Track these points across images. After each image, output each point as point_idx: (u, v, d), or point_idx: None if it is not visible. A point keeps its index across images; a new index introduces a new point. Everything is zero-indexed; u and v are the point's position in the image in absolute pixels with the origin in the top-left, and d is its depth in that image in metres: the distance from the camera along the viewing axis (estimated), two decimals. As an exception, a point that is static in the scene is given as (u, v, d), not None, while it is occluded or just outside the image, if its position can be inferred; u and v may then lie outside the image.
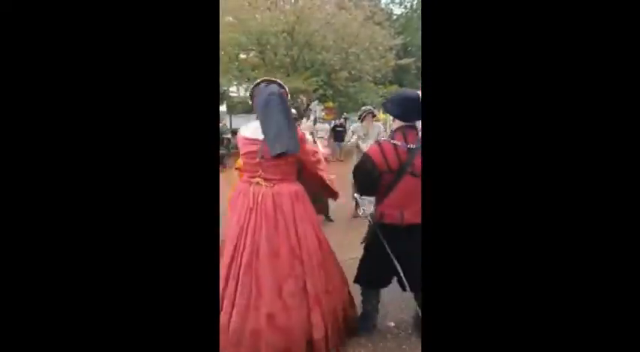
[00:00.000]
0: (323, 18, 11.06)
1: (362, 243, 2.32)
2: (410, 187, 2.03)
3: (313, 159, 2.17)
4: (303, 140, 2.06)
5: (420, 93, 2.17)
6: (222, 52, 11.25)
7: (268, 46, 11.23)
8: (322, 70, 11.59)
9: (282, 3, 11.35)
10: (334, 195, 2.39)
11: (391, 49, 12.98)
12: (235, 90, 13.37)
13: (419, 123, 2.11)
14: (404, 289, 2.13)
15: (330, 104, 13.79)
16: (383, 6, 14.61)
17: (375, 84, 13.13)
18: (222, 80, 11.27)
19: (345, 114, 14.68)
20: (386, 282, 2.28)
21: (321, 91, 11.76)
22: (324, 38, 11.25)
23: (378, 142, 2.12)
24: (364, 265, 2.28)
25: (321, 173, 2.21)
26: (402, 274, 2.06)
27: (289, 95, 2.18)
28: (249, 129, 2.08)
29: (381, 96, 12.53)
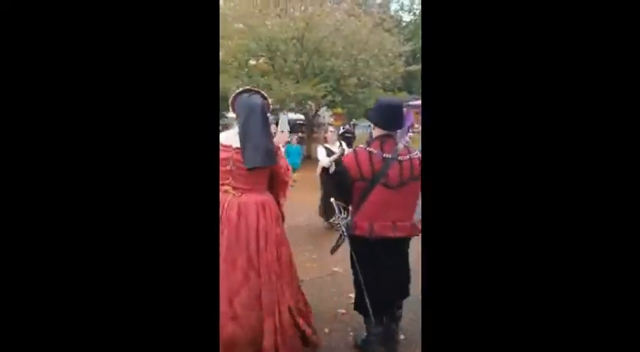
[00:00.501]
0: (332, 25, 11.12)
1: (331, 252, 2.24)
2: (381, 199, 1.96)
3: (285, 177, 2.18)
4: (277, 154, 2.08)
5: (403, 102, 2.13)
6: (232, 59, 11.38)
7: (278, 53, 11.33)
8: (331, 77, 11.64)
9: (292, 10, 11.46)
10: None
11: (400, 55, 12.98)
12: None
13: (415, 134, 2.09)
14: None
15: (339, 110, 13.82)
16: (392, 13, 14.65)
17: (384, 90, 13.13)
18: (232, 86, 11.39)
19: (353, 120, 14.70)
20: (392, 304, 2.12)
21: (330, 97, 11.80)
22: (334, 45, 11.31)
23: (354, 149, 2.07)
24: (357, 290, 2.14)
25: (281, 195, 2.21)
26: (365, 294, 1.96)
27: (270, 106, 2.19)
28: (227, 135, 2.09)
29: (390, 103, 12.50)
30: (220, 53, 12.16)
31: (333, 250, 2.22)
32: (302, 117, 14.10)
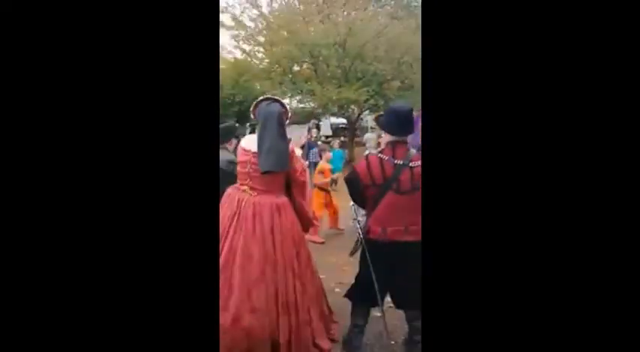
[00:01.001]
0: (375, 29, 11.09)
1: (350, 254, 2.28)
2: (392, 204, 1.98)
3: (301, 178, 2.25)
4: (292, 157, 2.18)
5: (413, 108, 2.14)
6: (276, 65, 11.67)
7: (320, 58, 11.46)
8: (374, 80, 11.58)
9: (334, 16, 11.56)
10: (305, 222, 2.33)
11: (445, 56, 12.64)
12: (288, 101, 13.78)
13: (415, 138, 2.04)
14: (397, 307, 2.10)
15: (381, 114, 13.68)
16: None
17: (429, 93, 12.86)
18: (276, 92, 11.68)
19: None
20: (374, 302, 2.15)
21: (372, 101, 11.74)
22: (376, 49, 11.25)
23: (366, 156, 2.11)
24: (356, 281, 2.22)
25: (299, 195, 2.28)
26: (377, 291, 2.00)
27: (288, 113, 2.30)
28: (248, 140, 2.26)
29: (435, 106, 12.24)
30: (265, 60, 12.53)
31: (352, 253, 2.26)
32: (344, 121, 14.14)
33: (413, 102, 12.40)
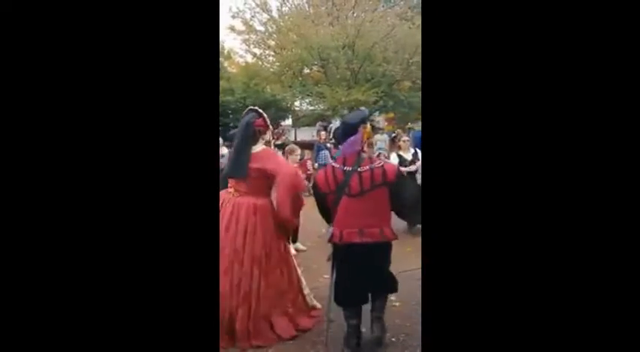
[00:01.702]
0: (383, 30, 11.11)
1: (327, 260, 2.39)
2: (346, 208, 2.12)
3: (283, 182, 2.33)
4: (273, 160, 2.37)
5: (360, 115, 2.29)
6: (286, 68, 11.79)
7: (330, 60, 11.52)
8: (383, 82, 11.59)
9: (343, 17, 11.62)
10: (280, 225, 2.42)
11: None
12: (298, 104, 13.89)
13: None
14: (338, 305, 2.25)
15: (391, 115, 13.68)
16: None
17: (440, 93, 12.79)
18: (286, 95, 11.79)
19: (409, 124, 14.45)
20: (360, 300, 2.28)
21: (381, 103, 11.75)
22: (385, 50, 11.27)
23: (325, 166, 2.26)
24: (335, 285, 2.32)
25: (279, 199, 2.36)
26: (332, 289, 2.20)
27: (265, 122, 2.48)
28: None
29: (445, 106, 12.19)
30: (275, 63, 12.66)
31: (329, 258, 2.38)
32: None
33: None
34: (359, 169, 2.13)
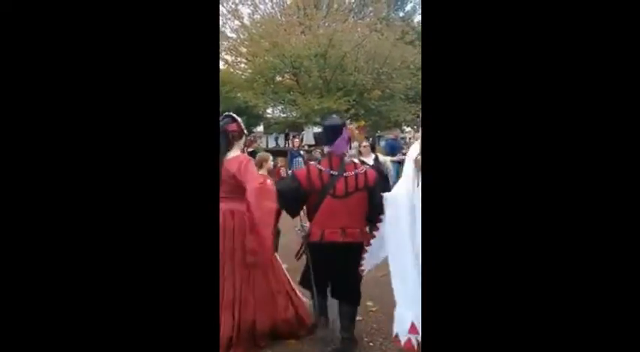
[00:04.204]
0: (355, 40, 11.36)
1: (295, 258, 2.50)
2: (330, 208, 2.22)
3: (250, 188, 2.30)
4: (244, 168, 2.34)
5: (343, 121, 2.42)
6: (259, 76, 11.79)
7: (302, 69, 11.63)
8: (354, 90, 11.82)
9: (315, 27, 11.79)
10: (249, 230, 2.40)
11: (423, 67, 12.96)
12: (271, 111, 13.89)
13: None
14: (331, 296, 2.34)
15: (362, 123, 13.93)
16: (416, 24, 14.72)
17: (409, 102, 13.18)
18: (259, 102, 11.77)
19: (379, 131, 14.77)
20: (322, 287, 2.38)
21: (353, 111, 11.97)
22: (356, 59, 11.51)
23: (307, 165, 2.34)
24: (306, 273, 2.44)
25: (249, 201, 2.31)
26: (313, 284, 2.30)
27: (238, 127, 2.48)
28: None
29: (414, 114, 12.56)
30: (247, 71, 12.63)
31: (298, 257, 2.47)
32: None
33: (394, 110, 12.72)
34: (345, 174, 2.25)
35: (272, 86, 12.22)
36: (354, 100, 11.61)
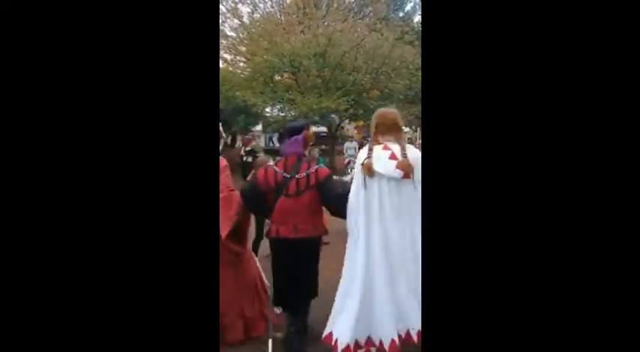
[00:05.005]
0: (354, 40, 11.36)
1: (266, 256, 2.64)
2: (284, 206, 2.37)
3: (221, 194, 2.40)
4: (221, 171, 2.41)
5: (302, 125, 2.52)
6: (257, 75, 11.78)
7: (301, 68, 11.63)
8: (353, 90, 11.82)
9: (314, 27, 11.78)
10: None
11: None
12: (269, 110, 13.88)
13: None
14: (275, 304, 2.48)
15: (361, 123, 13.95)
16: (415, 25, 14.73)
17: (407, 102, 13.19)
18: (257, 101, 11.77)
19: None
20: (300, 299, 2.45)
21: (352, 111, 11.97)
22: (355, 59, 11.51)
23: (265, 168, 2.48)
24: (274, 285, 2.52)
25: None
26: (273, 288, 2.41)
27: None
28: None
29: (412, 115, 12.57)
30: (246, 70, 12.61)
31: (268, 255, 2.60)
32: (325, 129, 14.32)
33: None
34: (297, 176, 2.37)
35: (271, 85, 12.21)
36: (352, 100, 11.61)
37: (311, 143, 2.51)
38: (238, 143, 12.06)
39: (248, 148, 7.10)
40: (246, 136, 9.37)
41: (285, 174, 2.38)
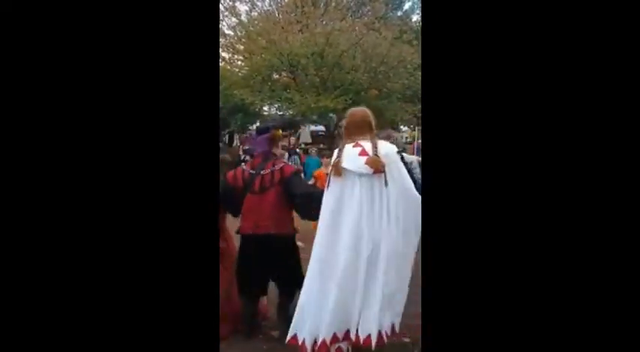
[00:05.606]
0: (352, 39, 11.34)
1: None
2: (249, 204, 2.46)
3: None
4: None
5: (268, 126, 2.59)
6: (255, 73, 11.76)
7: (299, 67, 11.60)
8: (351, 89, 11.81)
9: (313, 26, 11.76)
10: None
11: (420, 66, 12.98)
12: (267, 109, 13.86)
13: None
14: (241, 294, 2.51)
15: (360, 122, 13.90)
16: (414, 24, 14.72)
17: (406, 101, 13.19)
18: (255, 100, 11.75)
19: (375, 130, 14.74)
20: (257, 291, 2.55)
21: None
22: (353, 58, 11.50)
23: (236, 168, 2.57)
24: (237, 276, 2.59)
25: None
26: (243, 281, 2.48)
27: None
28: None
29: (410, 114, 12.58)
30: (244, 68, 12.58)
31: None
32: (323, 128, 14.32)
33: (392, 109, 12.75)
34: (262, 172, 2.45)
35: (269, 84, 12.19)
36: (350, 99, 11.58)
37: (279, 142, 2.59)
38: (236, 142, 12.04)
39: (246, 147, 7.09)
40: (244, 135, 9.36)
41: (250, 171, 2.48)
